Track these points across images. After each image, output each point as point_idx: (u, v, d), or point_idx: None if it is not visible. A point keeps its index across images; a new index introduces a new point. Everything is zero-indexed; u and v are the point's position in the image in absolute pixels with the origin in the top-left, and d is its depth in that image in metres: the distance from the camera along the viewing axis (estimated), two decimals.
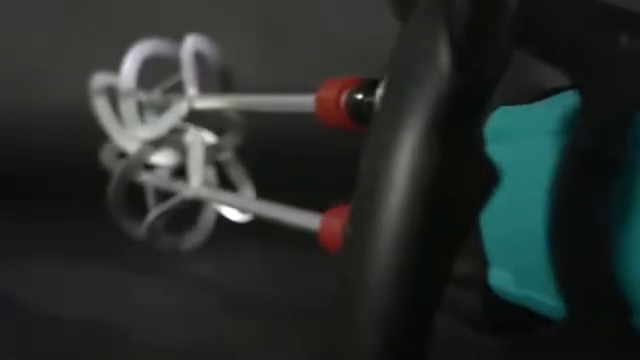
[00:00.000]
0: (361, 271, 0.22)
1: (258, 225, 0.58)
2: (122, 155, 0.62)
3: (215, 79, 0.60)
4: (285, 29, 0.93)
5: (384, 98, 0.23)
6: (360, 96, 0.38)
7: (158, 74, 0.61)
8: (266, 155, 0.75)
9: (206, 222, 0.62)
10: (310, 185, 0.72)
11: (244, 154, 0.62)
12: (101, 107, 0.61)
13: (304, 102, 0.43)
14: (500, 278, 0.30)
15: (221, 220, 0.62)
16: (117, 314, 0.47)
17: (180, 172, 0.62)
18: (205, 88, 0.59)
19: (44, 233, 0.67)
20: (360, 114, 0.38)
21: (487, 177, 0.22)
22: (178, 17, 0.91)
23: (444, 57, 0.22)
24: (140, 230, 0.58)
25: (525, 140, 0.29)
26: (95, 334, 0.44)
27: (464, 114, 0.22)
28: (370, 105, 0.37)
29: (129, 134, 0.60)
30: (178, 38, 0.61)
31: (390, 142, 0.22)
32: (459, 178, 0.22)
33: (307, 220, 0.44)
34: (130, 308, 0.49)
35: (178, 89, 0.60)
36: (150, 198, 0.62)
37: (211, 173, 0.61)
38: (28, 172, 0.82)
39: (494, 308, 0.31)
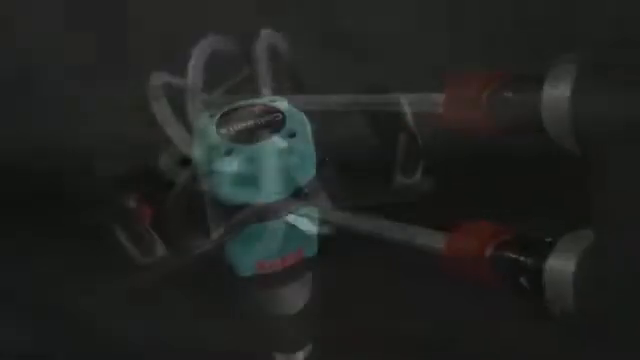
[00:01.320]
0: None
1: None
2: (184, 162, 0.56)
3: (284, 77, 0.55)
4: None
5: None
6: (510, 94, 0.33)
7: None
8: None
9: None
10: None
11: None
12: (160, 108, 0.56)
13: (427, 101, 0.37)
14: None
15: None
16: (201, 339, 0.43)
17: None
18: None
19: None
20: (513, 115, 0.33)
21: None
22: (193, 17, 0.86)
23: None
24: (205, 245, 0.53)
25: None
26: None
27: None
28: (534, 105, 0.31)
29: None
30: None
31: None
32: None
33: (427, 237, 0.38)
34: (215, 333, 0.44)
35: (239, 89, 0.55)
36: (211, 208, 0.56)
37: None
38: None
39: None
